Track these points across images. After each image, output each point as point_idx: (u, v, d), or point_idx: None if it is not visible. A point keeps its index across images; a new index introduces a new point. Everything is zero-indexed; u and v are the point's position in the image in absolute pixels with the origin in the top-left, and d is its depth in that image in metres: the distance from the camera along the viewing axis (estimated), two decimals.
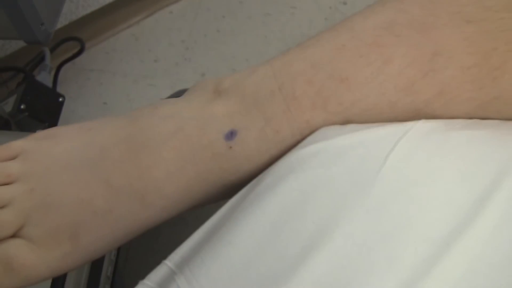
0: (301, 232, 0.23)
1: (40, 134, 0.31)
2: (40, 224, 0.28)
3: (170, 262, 0.26)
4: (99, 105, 0.94)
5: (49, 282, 0.44)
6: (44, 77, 0.64)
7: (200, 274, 0.23)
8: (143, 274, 0.26)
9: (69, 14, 0.92)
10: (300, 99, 0.29)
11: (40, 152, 0.30)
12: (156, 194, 0.29)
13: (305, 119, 0.29)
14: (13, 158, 0.30)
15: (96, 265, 0.47)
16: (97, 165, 0.29)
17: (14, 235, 0.28)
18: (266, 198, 0.25)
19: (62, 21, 0.90)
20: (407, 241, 0.23)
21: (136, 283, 0.25)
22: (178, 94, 0.50)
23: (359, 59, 0.28)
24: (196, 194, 0.30)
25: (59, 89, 0.77)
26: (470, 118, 0.28)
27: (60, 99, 0.66)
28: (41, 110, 0.61)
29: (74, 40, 0.73)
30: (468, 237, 0.23)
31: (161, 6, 1.08)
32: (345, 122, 0.28)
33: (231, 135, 0.29)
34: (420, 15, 0.28)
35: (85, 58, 0.94)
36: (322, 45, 0.29)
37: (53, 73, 0.73)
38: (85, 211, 0.28)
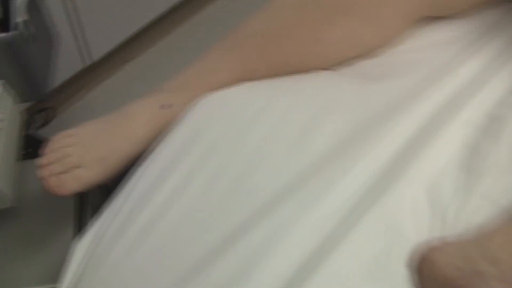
0: (187, 142, 0.57)
1: (75, 128, 0.65)
2: (88, 159, 0.61)
3: None
4: None
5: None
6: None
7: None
8: None
9: None
10: (192, 89, 0.64)
11: (79, 132, 0.63)
12: (137, 138, 0.62)
13: (195, 94, 0.63)
14: (69, 136, 0.63)
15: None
16: (107, 131, 0.62)
17: (78, 166, 0.60)
18: (179, 127, 0.60)
19: None
20: (243, 146, 0.57)
21: None
22: None
23: (209, 72, 0.65)
24: (153, 135, 0.63)
25: None
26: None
27: None
28: None
29: (50, 108, 1.06)
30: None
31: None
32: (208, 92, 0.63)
33: (164, 106, 0.63)
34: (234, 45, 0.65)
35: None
36: (193, 68, 0.66)
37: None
38: (106, 150, 0.61)
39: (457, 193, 0.51)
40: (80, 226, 0.72)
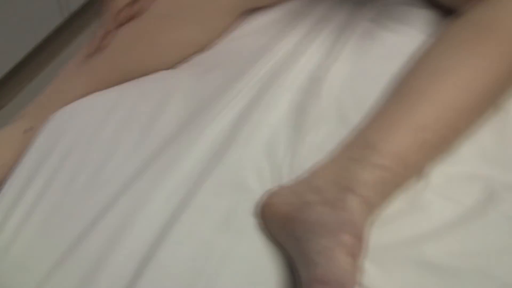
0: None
1: None
2: None
3: None
4: None
5: None
6: None
7: None
8: None
9: None
10: (51, 108, 0.68)
11: None
12: (6, 165, 0.65)
13: (52, 110, 0.67)
14: None
15: None
16: None
17: None
18: (35, 142, 0.64)
19: None
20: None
21: None
22: None
23: (64, 89, 0.70)
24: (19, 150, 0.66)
25: None
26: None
27: None
28: None
29: None
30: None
31: None
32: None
33: (26, 131, 0.67)
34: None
35: None
36: (49, 89, 0.71)
37: None
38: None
39: (289, 146, 0.59)
40: None
